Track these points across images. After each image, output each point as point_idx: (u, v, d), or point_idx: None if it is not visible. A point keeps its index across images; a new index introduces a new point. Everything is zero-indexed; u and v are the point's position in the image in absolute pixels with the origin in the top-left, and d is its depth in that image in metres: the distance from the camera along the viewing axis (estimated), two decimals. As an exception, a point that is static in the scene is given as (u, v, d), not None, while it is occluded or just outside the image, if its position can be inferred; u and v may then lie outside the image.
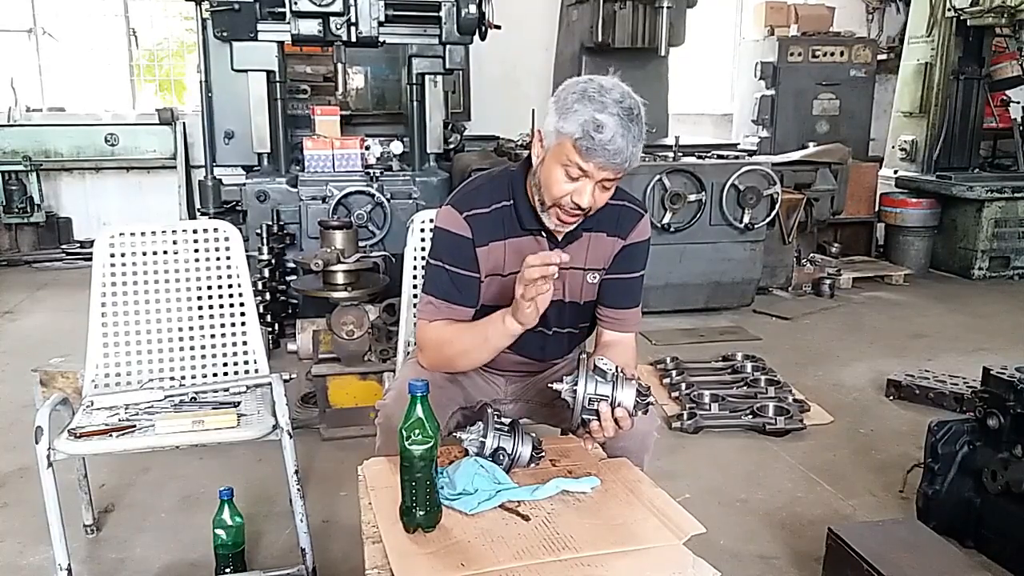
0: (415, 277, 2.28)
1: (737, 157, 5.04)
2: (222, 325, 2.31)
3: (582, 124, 1.53)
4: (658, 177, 4.52)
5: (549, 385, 1.54)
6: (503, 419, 1.58)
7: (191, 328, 2.29)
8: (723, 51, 7.80)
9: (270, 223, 3.96)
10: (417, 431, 1.30)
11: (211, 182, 4.18)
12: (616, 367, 1.49)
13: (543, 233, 1.75)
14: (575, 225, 1.71)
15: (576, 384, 1.47)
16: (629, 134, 1.55)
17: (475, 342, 1.71)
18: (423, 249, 2.24)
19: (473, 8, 4.02)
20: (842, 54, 6.54)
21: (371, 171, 4.19)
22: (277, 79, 4.23)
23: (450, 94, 5.32)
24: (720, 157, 4.97)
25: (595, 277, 1.83)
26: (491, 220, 1.74)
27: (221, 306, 2.31)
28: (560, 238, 1.75)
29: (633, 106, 1.57)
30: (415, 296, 2.22)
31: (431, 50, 4.24)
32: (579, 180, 1.60)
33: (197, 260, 2.29)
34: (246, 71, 4.16)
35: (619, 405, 1.47)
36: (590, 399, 1.47)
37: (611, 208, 1.79)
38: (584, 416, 1.48)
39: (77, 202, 6.59)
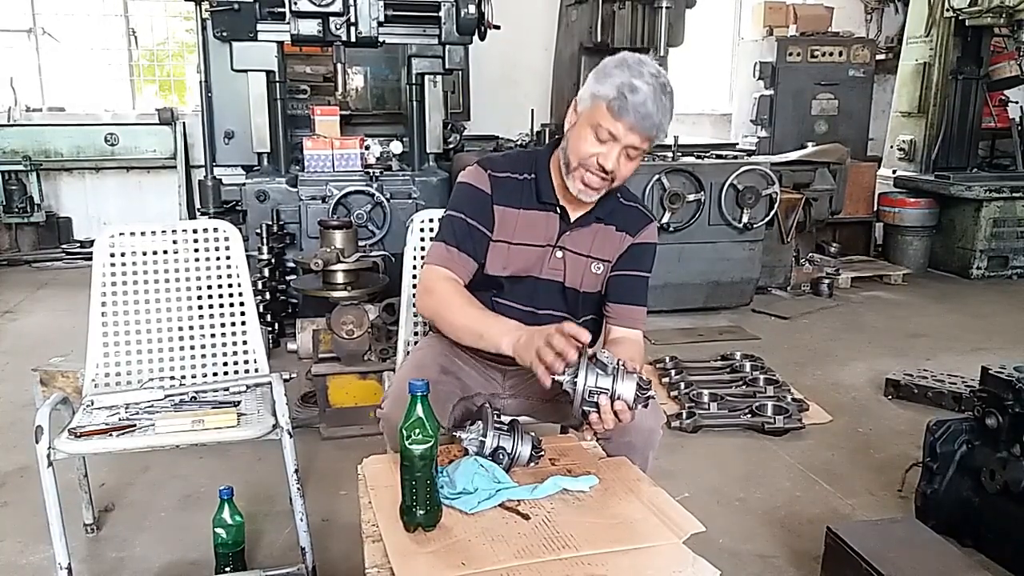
0: (415, 277, 2.28)
1: (736, 157, 5.05)
2: (222, 325, 2.31)
3: (617, 86, 1.63)
4: (657, 177, 4.52)
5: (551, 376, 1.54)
6: (502, 418, 1.59)
7: (191, 328, 2.29)
8: (722, 51, 7.81)
9: (270, 223, 3.97)
10: (417, 430, 1.30)
11: (211, 182, 4.18)
12: (617, 360, 1.49)
13: (557, 210, 1.82)
14: (597, 196, 1.75)
15: (576, 376, 1.47)
16: (660, 103, 1.64)
17: (470, 329, 1.73)
18: (423, 249, 2.24)
19: (473, 8, 4.02)
20: (841, 54, 6.54)
21: (371, 171, 4.20)
22: (277, 79, 4.23)
23: (450, 94, 5.32)
24: (719, 157, 4.98)
25: (599, 268, 1.85)
26: (512, 185, 1.83)
27: (221, 306, 2.31)
28: (572, 220, 1.82)
29: (666, 82, 1.67)
30: (415, 296, 2.22)
31: (431, 50, 4.25)
32: (607, 143, 1.67)
33: (197, 260, 2.29)
34: (246, 71, 4.16)
35: (619, 398, 1.47)
36: (590, 391, 1.47)
37: (623, 206, 1.87)
38: (584, 408, 1.49)
39: (77, 202, 6.60)
